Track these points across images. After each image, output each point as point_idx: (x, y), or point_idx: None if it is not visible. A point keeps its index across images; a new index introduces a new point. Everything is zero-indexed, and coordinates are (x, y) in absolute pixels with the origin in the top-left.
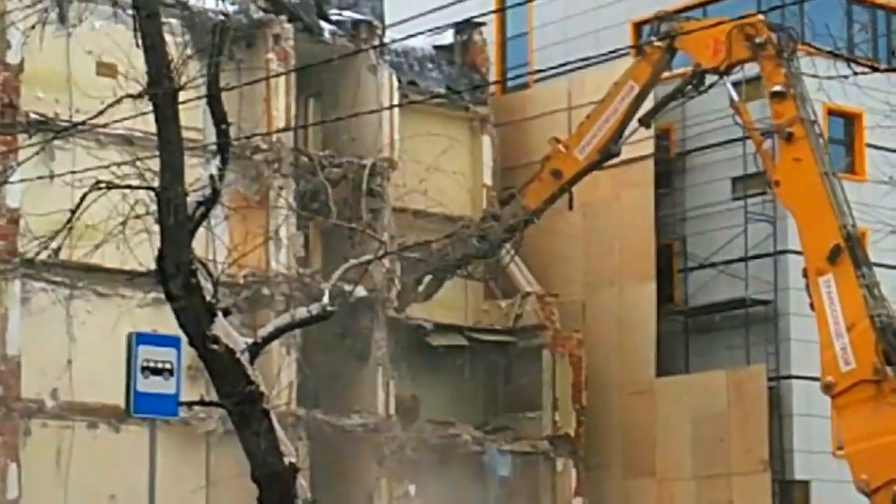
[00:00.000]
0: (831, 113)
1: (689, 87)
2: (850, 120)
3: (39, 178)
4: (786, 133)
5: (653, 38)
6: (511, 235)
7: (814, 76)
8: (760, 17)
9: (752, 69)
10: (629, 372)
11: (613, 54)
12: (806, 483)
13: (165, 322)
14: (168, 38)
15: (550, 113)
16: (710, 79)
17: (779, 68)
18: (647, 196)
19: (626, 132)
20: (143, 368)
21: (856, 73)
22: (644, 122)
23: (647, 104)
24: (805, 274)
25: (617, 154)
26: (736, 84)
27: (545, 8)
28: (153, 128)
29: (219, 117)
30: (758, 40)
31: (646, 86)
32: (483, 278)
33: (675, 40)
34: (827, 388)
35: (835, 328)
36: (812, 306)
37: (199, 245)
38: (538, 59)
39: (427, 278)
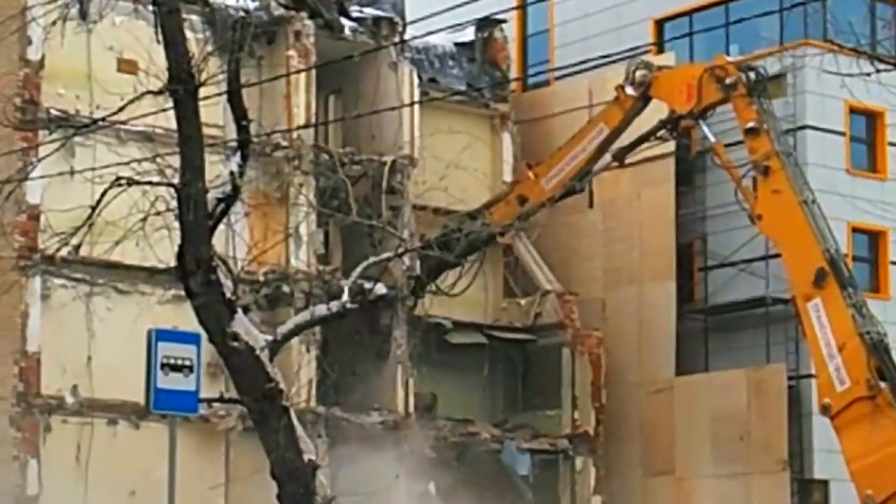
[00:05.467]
0: (854, 111)
1: (664, 130)
2: (872, 118)
3: (60, 174)
4: (762, 167)
5: (627, 87)
6: (474, 249)
7: (836, 73)
8: (728, 58)
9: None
10: (649, 370)
11: (634, 51)
12: (825, 482)
13: (185, 319)
14: (189, 34)
15: (571, 110)
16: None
17: (750, 106)
18: (667, 194)
19: (595, 168)
20: (163, 365)
21: (878, 71)
22: (618, 158)
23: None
24: (794, 301)
25: (581, 191)
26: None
27: (566, 5)
28: (174, 124)
29: (239, 114)
30: (728, 81)
31: (615, 130)
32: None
33: (649, 88)
34: (825, 410)
35: (827, 350)
36: (804, 333)
37: (219, 242)
38: (559, 56)
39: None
